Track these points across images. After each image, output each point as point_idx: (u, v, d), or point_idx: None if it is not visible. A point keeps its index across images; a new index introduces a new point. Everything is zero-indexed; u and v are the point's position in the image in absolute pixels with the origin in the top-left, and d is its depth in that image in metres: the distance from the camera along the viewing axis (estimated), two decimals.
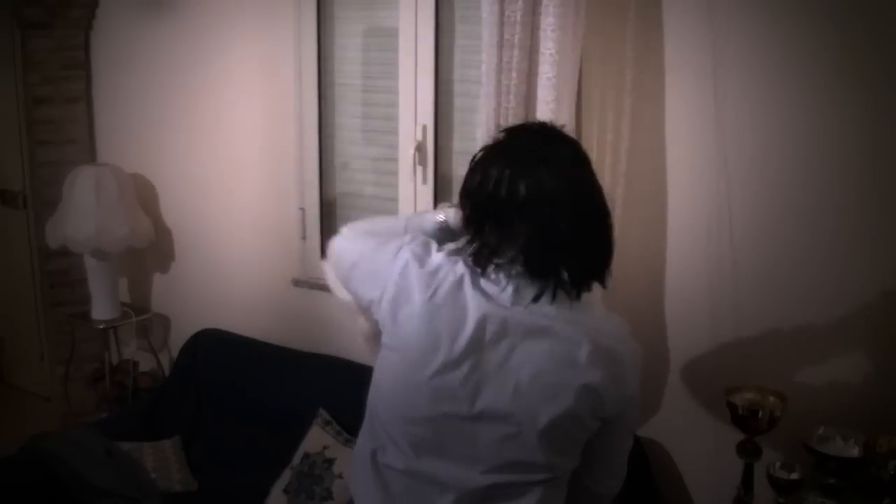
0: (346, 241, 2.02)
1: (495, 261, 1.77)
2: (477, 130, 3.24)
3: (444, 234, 2.01)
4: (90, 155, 4.62)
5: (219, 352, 3.89)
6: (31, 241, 5.03)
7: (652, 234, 2.98)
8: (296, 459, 3.31)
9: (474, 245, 1.80)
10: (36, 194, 4.68)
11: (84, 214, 4.05)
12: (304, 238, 3.86)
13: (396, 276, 1.81)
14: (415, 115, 3.45)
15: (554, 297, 1.76)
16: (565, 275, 1.76)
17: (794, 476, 2.62)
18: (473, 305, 1.76)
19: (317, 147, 3.80)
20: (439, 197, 3.48)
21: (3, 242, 5.45)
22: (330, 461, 3.22)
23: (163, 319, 4.51)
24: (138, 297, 4.62)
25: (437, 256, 1.83)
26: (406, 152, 3.49)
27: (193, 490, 3.55)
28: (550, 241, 1.75)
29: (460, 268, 1.79)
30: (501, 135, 1.86)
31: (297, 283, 3.88)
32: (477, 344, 1.75)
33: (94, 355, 4.59)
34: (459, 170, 3.44)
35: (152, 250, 4.41)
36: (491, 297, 1.76)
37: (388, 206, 3.69)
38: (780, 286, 2.80)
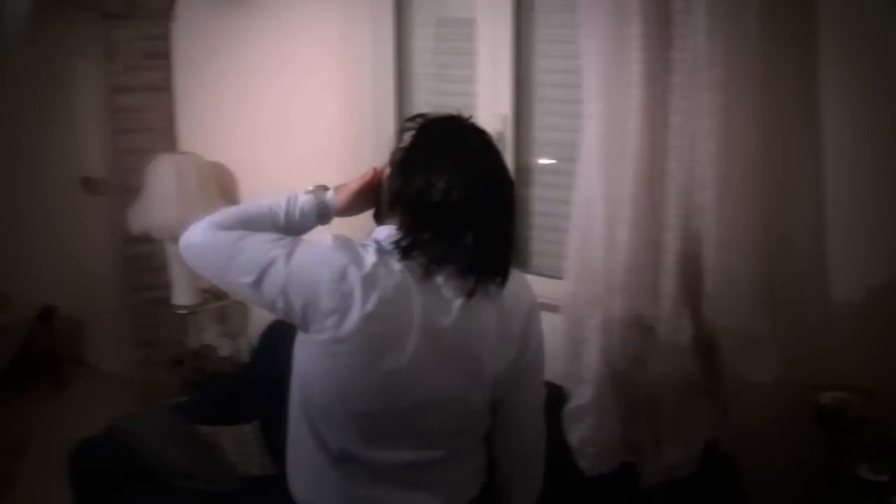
0: (221, 233, 1.94)
1: (436, 262, 1.86)
2: (557, 121, 3.24)
3: (322, 219, 2.08)
4: (171, 143, 4.70)
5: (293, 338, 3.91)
6: (112, 226, 5.14)
7: None
8: None
9: (412, 247, 1.87)
10: (119, 181, 4.78)
11: (166, 201, 4.13)
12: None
13: (332, 283, 1.83)
14: (493, 105, 3.44)
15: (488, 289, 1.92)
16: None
17: (883, 478, 2.56)
18: (417, 304, 1.87)
19: (393, 136, 3.79)
20: (523, 186, 3.47)
21: (84, 228, 5.58)
22: None
23: (241, 306, 4.56)
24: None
25: (368, 256, 1.87)
26: None
27: (271, 474, 3.59)
28: (493, 242, 1.90)
29: (396, 266, 1.87)
30: (425, 133, 1.94)
31: None
32: (424, 340, 1.88)
33: (174, 340, 4.67)
34: (539, 160, 3.45)
35: None
36: (432, 292, 1.88)
37: None
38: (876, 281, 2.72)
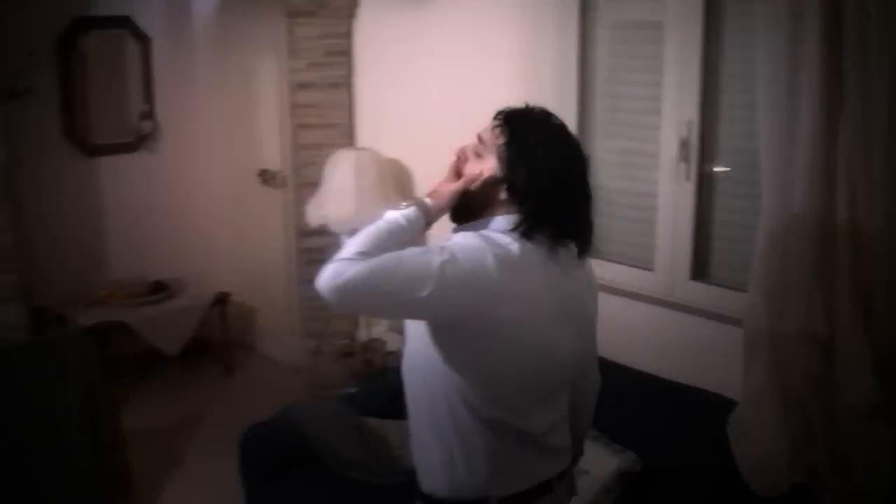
0: (376, 259, 1.87)
1: (559, 237, 2.06)
2: (746, 128, 3.16)
3: (428, 226, 2.10)
4: (350, 139, 4.79)
5: None
6: (287, 218, 5.27)
7: None
8: None
9: (536, 228, 2.03)
10: (296, 175, 4.90)
11: (343, 196, 4.21)
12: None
13: (497, 274, 1.94)
14: (679, 110, 3.37)
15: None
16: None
17: None
18: (550, 277, 2.06)
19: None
20: (705, 193, 3.41)
21: (262, 219, 5.74)
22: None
23: None
24: None
25: (510, 244, 2.00)
26: (669, 148, 3.42)
27: None
28: (588, 213, 2.12)
29: (528, 247, 2.02)
30: (520, 125, 2.07)
31: None
32: (559, 307, 2.08)
33: (344, 332, 4.76)
34: (722, 167, 3.36)
35: None
36: (556, 264, 2.06)
37: (640, 201, 3.64)
38: None
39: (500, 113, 2.12)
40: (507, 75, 3.96)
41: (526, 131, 2.06)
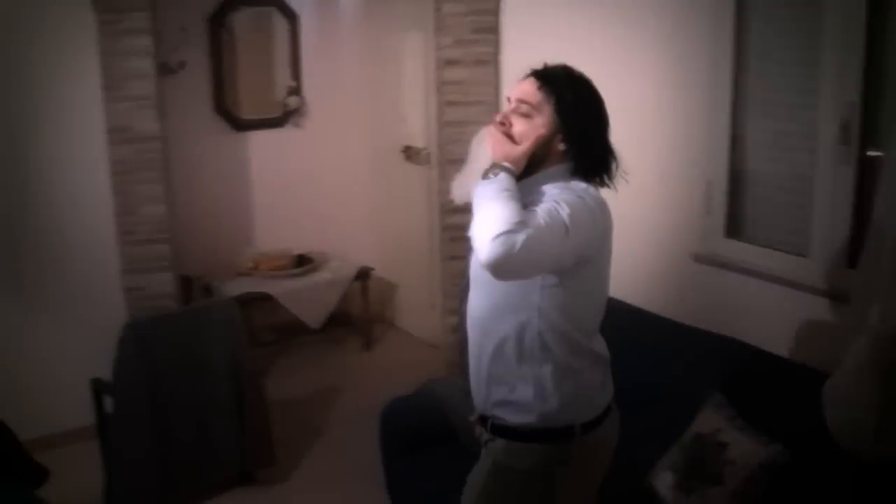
0: (527, 230, 2.06)
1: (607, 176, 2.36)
2: None
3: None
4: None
5: (611, 321, 3.85)
6: (431, 195, 5.28)
7: None
8: (686, 439, 3.22)
9: (594, 171, 2.33)
10: (440, 152, 4.90)
11: None
12: (708, 213, 3.74)
13: (598, 214, 2.25)
14: (839, 91, 3.22)
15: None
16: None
17: None
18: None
19: (728, 121, 3.65)
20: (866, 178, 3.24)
21: (404, 195, 5.78)
22: (722, 445, 3.10)
23: None
24: None
25: (589, 188, 2.29)
26: (827, 130, 3.28)
27: None
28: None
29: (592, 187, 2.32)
30: (573, 87, 2.28)
31: (698, 258, 3.77)
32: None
33: None
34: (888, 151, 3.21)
35: None
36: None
37: (794, 184, 3.49)
38: None
39: (536, 73, 2.31)
40: (658, 53, 3.87)
41: (567, 86, 2.27)
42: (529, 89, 2.27)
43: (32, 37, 4.26)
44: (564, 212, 2.12)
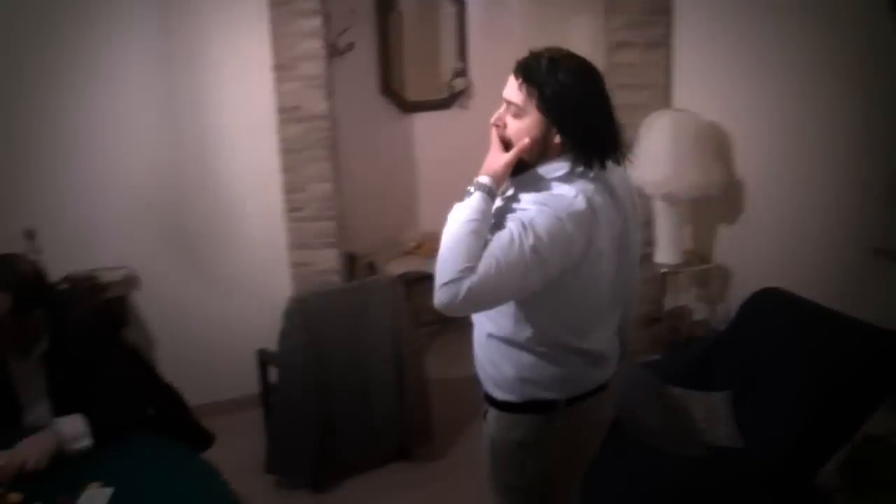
0: (483, 271, 2.07)
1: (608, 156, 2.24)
2: None
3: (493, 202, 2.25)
4: (665, 100, 4.65)
5: (780, 313, 3.72)
6: None
7: None
8: (858, 440, 3.07)
9: (592, 155, 2.21)
10: None
11: (659, 159, 4.10)
12: (886, 205, 3.56)
13: (575, 241, 2.15)
14: None
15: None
16: None
17: None
18: (610, 212, 2.26)
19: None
20: None
21: None
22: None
23: (723, 271, 4.46)
24: (701, 246, 4.60)
25: (577, 200, 2.15)
26: None
27: (739, 447, 3.46)
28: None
29: (589, 190, 2.19)
30: (550, 70, 2.17)
31: (878, 252, 3.59)
32: (621, 243, 2.34)
33: (651, 297, 4.65)
34: None
35: (722, 200, 4.34)
36: (611, 197, 2.27)
37: None
38: None
39: (517, 67, 2.24)
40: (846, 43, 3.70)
41: (548, 78, 2.17)
42: (512, 88, 2.24)
43: (209, 21, 4.39)
44: (528, 243, 2.09)
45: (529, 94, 2.19)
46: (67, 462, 2.61)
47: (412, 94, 5.73)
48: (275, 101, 4.49)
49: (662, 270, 4.36)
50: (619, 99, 4.54)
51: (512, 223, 2.13)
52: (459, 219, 2.15)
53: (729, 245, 4.44)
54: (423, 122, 5.80)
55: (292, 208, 4.61)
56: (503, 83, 2.26)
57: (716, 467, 3.25)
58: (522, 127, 2.22)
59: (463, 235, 2.11)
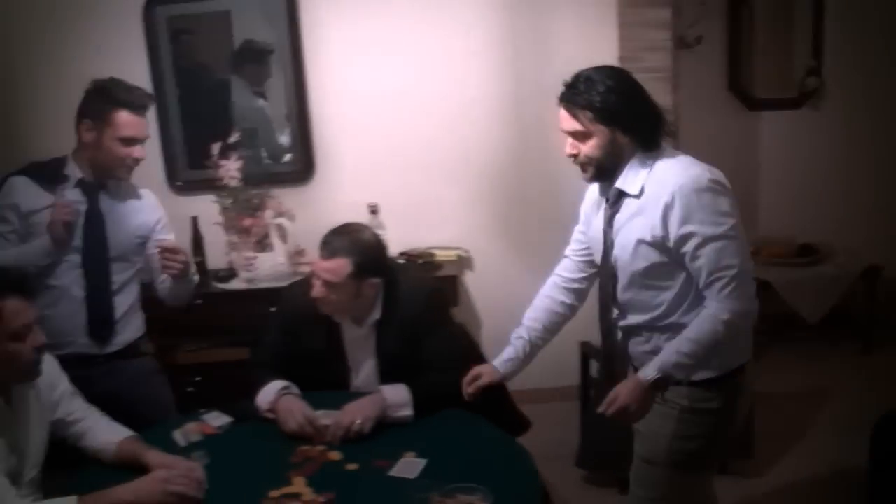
0: None
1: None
2: None
3: None
4: None
5: None
6: None
7: None
8: None
9: (656, 137, 2.50)
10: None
11: None
12: None
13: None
14: None
15: None
16: None
17: None
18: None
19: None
20: None
21: None
22: None
23: None
24: None
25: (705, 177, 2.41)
26: None
27: None
28: None
29: None
30: (587, 85, 2.41)
31: None
32: None
33: None
34: None
35: None
36: None
37: None
38: None
39: (563, 102, 2.46)
40: None
41: (591, 93, 2.39)
42: (567, 119, 2.46)
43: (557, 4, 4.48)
44: (724, 226, 2.37)
45: (584, 116, 2.42)
46: (386, 428, 2.73)
47: (760, 92, 5.55)
48: None
49: None
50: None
51: (708, 242, 2.38)
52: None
53: None
54: (770, 121, 5.59)
55: None
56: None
57: None
58: (594, 144, 2.45)
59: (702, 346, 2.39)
